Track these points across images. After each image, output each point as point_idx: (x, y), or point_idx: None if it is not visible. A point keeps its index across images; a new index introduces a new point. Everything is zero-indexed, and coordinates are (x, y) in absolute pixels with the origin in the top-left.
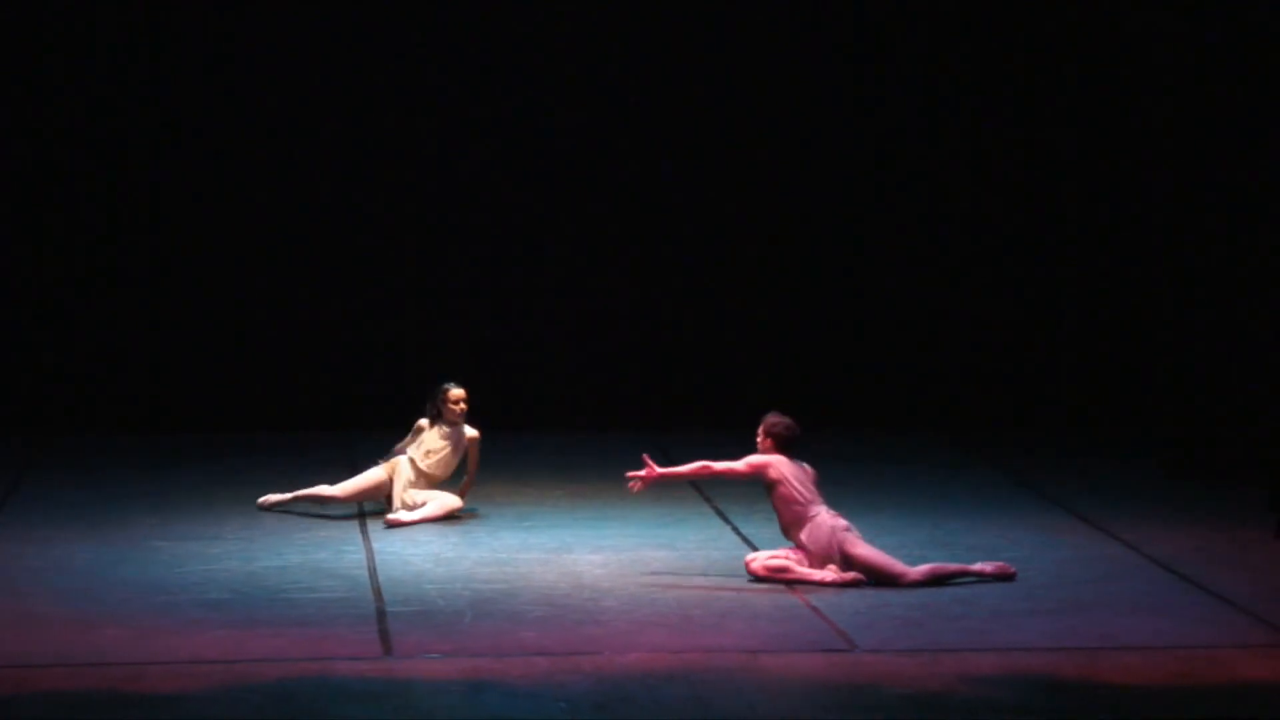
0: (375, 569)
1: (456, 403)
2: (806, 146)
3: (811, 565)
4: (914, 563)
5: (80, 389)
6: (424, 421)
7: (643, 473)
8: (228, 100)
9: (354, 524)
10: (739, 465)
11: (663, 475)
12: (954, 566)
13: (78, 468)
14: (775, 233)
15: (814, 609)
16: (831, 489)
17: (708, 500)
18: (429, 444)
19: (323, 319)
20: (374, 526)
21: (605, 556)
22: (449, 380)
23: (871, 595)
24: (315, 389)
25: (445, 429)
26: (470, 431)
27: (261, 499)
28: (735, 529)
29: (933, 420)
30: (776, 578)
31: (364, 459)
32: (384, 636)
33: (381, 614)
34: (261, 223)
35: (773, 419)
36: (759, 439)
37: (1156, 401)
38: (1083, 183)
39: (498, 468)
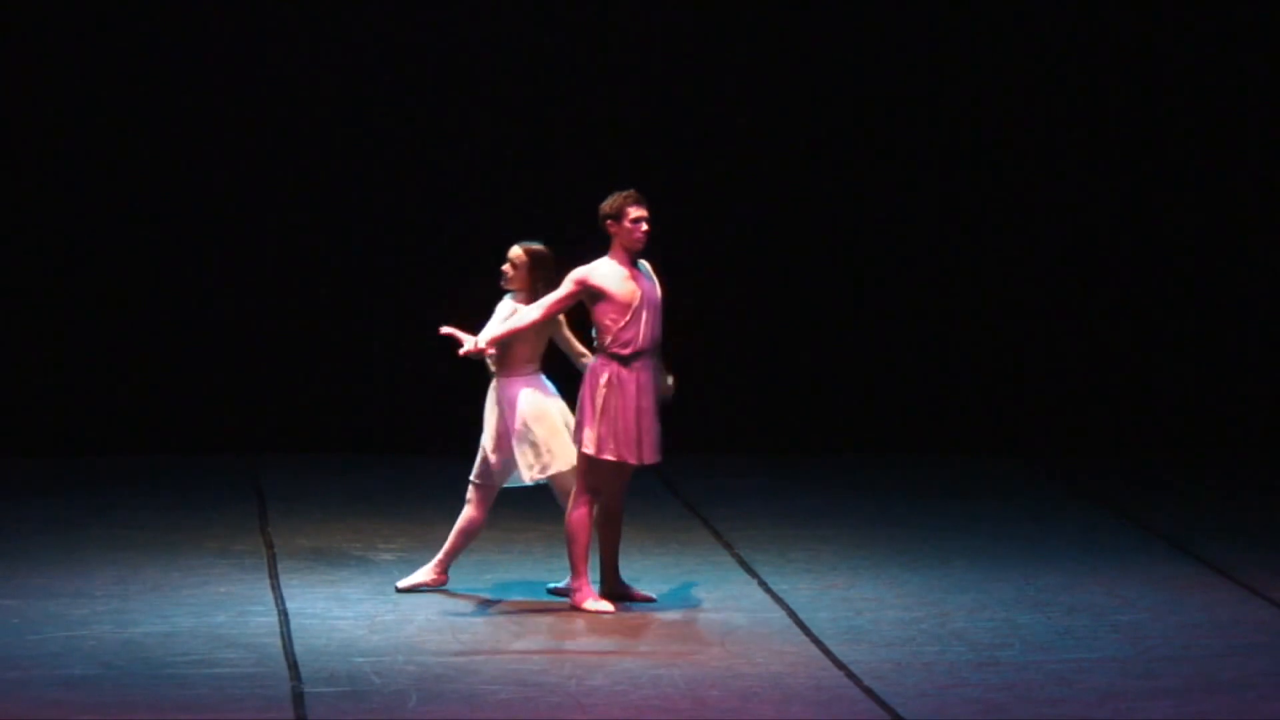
0: (290, 636)
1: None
2: (881, 164)
3: None
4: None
5: None
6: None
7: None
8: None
9: (263, 576)
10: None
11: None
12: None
13: None
14: (832, 243)
15: (866, 689)
16: (893, 531)
17: (727, 547)
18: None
19: (189, 328)
20: (287, 580)
21: (592, 619)
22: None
23: (942, 671)
24: (201, 405)
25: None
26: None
27: None
28: (763, 584)
29: (1018, 445)
30: None
31: (269, 486)
32: None
33: (299, 696)
34: (112, 229)
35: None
36: None
37: None
38: (1185, 189)
39: (450, 504)
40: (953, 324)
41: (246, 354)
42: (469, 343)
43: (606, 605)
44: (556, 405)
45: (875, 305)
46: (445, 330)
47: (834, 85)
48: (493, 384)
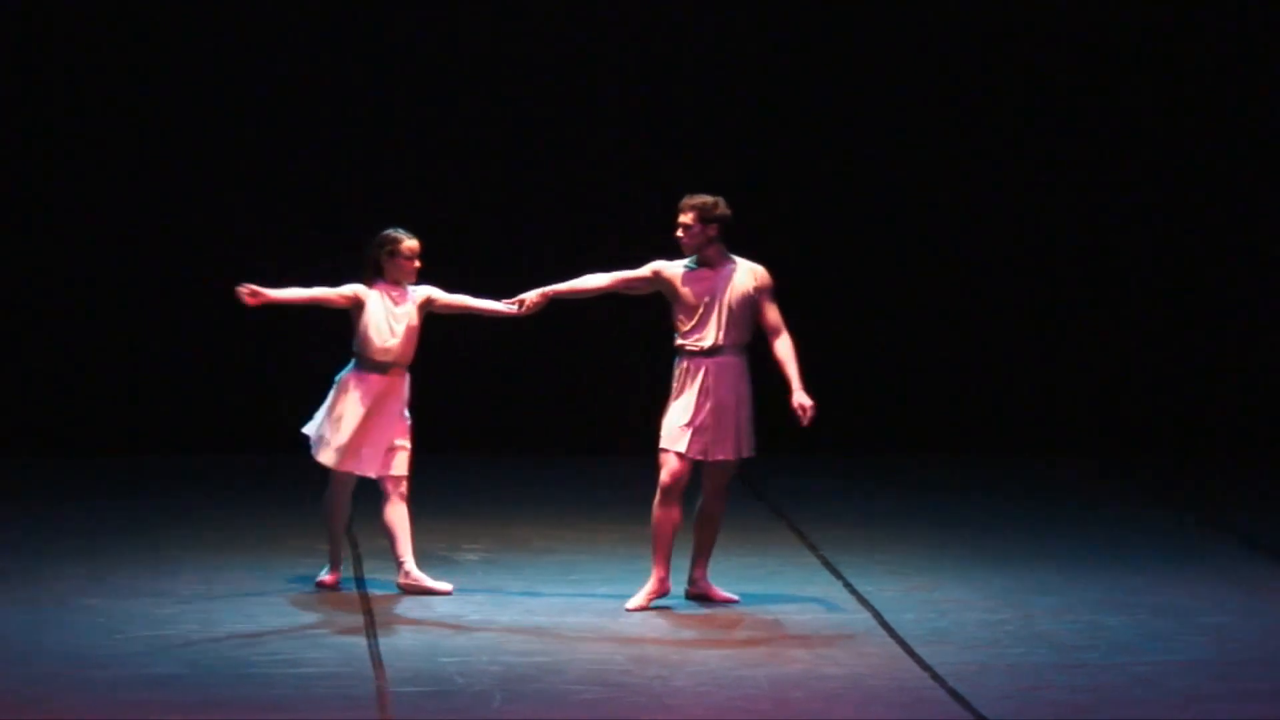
0: (375, 636)
1: (412, 257)
2: (965, 166)
3: None
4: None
5: None
6: (353, 288)
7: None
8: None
9: (347, 576)
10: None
11: (559, 294)
12: None
13: None
14: (910, 246)
15: (950, 690)
16: (974, 531)
17: (811, 548)
18: (382, 317)
19: (275, 331)
20: (374, 578)
21: (675, 620)
22: (398, 228)
23: (1027, 673)
24: (286, 405)
25: (395, 293)
26: (426, 290)
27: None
28: (847, 585)
29: (1101, 448)
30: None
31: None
32: None
33: (383, 696)
34: (212, 233)
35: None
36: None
37: None
38: (1260, 190)
39: (530, 504)
40: (1037, 326)
41: (328, 354)
42: (531, 296)
43: (638, 601)
44: None
45: (958, 307)
46: (508, 306)
47: (878, 87)
48: (374, 379)
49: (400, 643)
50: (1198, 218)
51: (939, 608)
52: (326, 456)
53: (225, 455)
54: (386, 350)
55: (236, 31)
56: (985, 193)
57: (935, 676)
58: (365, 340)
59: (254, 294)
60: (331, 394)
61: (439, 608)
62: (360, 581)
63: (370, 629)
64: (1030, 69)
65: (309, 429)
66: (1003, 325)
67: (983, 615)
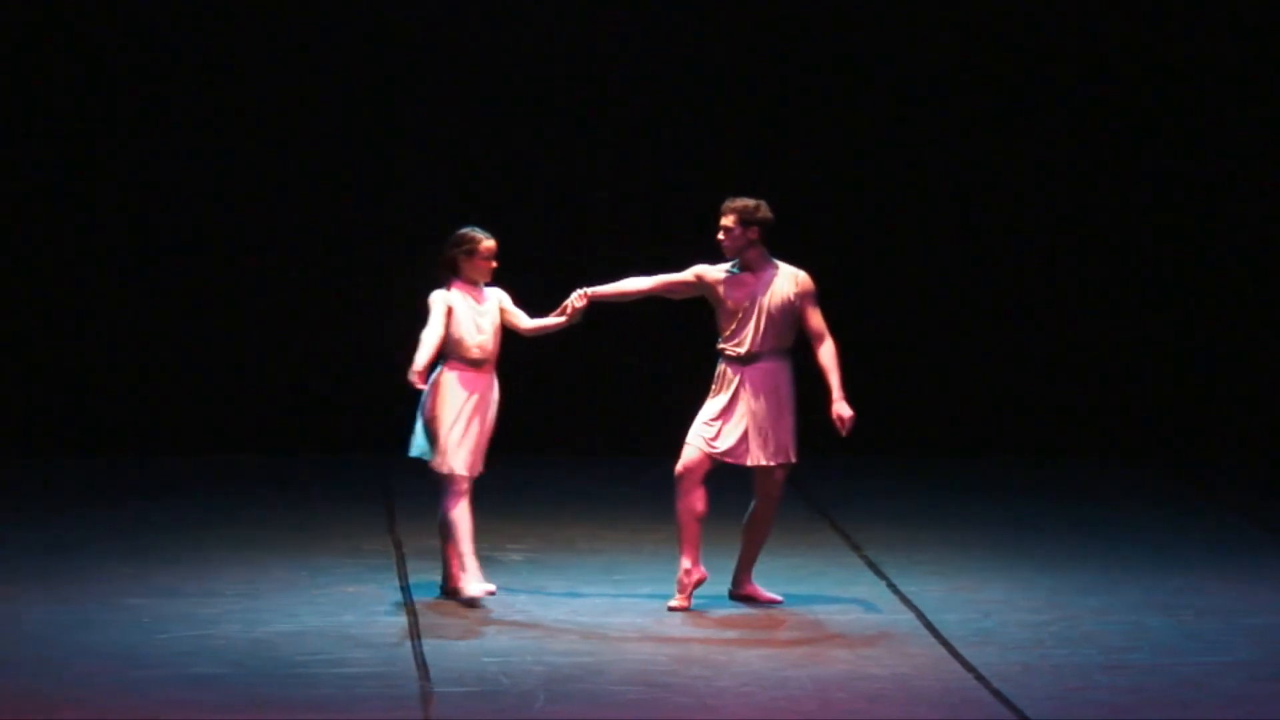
0: (419, 636)
1: (490, 257)
2: (1024, 167)
3: None
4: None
5: (31, 405)
6: (443, 298)
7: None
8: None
9: (392, 576)
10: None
11: (601, 296)
12: None
13: (25, 502)
14: (966, 246)
15: (994, 691)
16: (1021, 533)
17: (855, 548)
18: (469, 316)
19: (323, 330)
20: (417, 580)
21: (719, 619)
22: (475, 228)
23: (1071, 673)
24: (330, 405)
25: (474, 292)
26: (499, 293)
27: None
28: (891, 585)
29: (1146, 449)
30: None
31: (398, 486)
32: None
33: (427, 696)
34: (245, 232)
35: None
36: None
37: None
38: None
39: (574, 505)
40: (1083, 328)
41: (375, 354)
42: (573, 300)
43: (677, 600)
44: None
45: (1006, 309)
46: (556, 319)
47: (881, 89)
48: (471, 376)
49: (444, 643)
50: (1202, 215)
51: (982, 608)
52: (439, 462)
53: (269, 456)
54: (481, 348)
55: (243, 25)
56: (1029, 199)
57: (979, 677)
58: (458, 341)
59: (419, 375)
60: (426, 400)
61: (483, 607)
62: (404, 580)
63: (414, 629)
64: (1031, 71)
65: (416, 450)
66: (1049, 328)
67: (1026, 616)
